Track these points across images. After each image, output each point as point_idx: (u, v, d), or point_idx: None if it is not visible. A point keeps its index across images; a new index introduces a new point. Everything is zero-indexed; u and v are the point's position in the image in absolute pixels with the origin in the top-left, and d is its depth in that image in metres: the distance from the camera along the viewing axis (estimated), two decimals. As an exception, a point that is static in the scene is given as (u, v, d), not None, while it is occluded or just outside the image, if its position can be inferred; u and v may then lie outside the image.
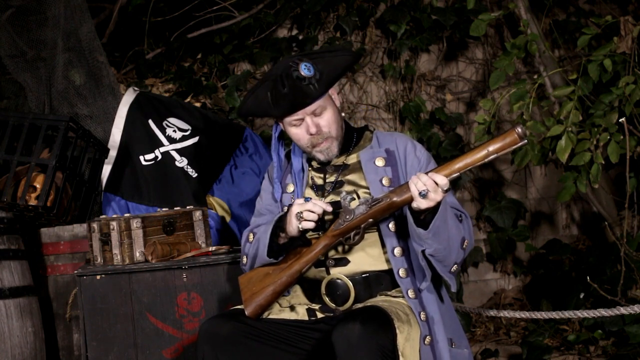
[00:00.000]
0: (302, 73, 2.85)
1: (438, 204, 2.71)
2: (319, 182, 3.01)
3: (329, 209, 2.83)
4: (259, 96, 2.93)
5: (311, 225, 2.83)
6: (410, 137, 3.08)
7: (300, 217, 2.82)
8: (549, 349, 4.61)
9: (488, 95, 5.51)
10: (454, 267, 2.84)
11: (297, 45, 5.37)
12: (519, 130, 2.64)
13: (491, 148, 2.67)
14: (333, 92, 2.99)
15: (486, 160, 2.68)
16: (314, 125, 2.91)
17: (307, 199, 2.83)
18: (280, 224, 2.90)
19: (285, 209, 2.98)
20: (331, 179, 3.00)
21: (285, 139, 3.07)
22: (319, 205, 2.82)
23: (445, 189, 2.69)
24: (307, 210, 2.81)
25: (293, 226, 2.85)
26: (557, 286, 5.08)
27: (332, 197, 2.97)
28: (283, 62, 2.91)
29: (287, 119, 2.93)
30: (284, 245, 2.92)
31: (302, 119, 2.91)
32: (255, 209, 3.16)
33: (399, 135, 3.07)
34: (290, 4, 5.37)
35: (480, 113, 5.10)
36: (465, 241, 2.84)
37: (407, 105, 5.32)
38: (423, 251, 2.78)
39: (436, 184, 2.68)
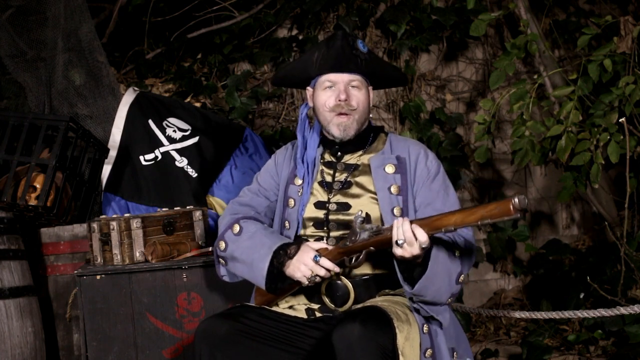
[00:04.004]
0: (357, 44, 2.95)
1: (427, 255, 2.70)
2: (328, 179, 3.01)
3: (337, 270, 2.85)
4: (305, 59, 3.02)
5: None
6: (424, 145, 3.07)
7: (312, 280, 2.84)
8: (549, 349, 4.61)
9: (488, 95, 5.51)
10: (450, 300, 2.82)
11: (297, 45, 5.37)
12: (515, 201, 2.49)
13: (485, 213, 2.54)
14: (371, 91, 3.03)
15: (479, 223, 2.55)
16: (345, 92, 2.94)
17: (316, 258, 2.83)
18: (276, 259, 2.88)
19: (285, 245, 2.93)
20: (340, 177, 3.00)
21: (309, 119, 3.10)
22: (327, 273, 2.85)
23: (424, 246, 2.65)
24: (318, 275, 2.84)
25: (297, 276, 2.85)
26: (557, 286, 5.08)
27: (338, 198, 2.97)
28: (338, 31, 3.02)
29: (323, 79, 2.96)
30: (280, 276, 2.91)
31: (337, 84, 2.95)
32: (252, 184, 3.16)
33: (412, 142, 3.06)
34: (290, 4, 5.37)
35: (480, 113, 5.10)
36: (462, 276, 2.81)
37: (407, 105, 5.32)
38: (411, 299, 2.80)
39: (416, 238, 2.65)
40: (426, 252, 2.70)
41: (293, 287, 2.93)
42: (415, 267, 2.73)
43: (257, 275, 2.90)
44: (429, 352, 2.77)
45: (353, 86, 2.96)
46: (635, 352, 4.41)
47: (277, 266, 2.87)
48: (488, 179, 5.57)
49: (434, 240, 2.70)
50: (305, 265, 2.83)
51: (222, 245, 3.01)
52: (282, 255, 2.88)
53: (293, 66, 3.10)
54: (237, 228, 2.99)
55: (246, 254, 2.93)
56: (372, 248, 2.79)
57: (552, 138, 4.37)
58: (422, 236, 2.64)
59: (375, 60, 3.04)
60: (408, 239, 2.65)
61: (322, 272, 2.83)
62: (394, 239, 2.67)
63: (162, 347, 3.51)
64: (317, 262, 2.82)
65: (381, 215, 2.92)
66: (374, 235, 2.77)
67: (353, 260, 2.83)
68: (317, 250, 2.85)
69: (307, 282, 2.85)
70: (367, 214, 2.91)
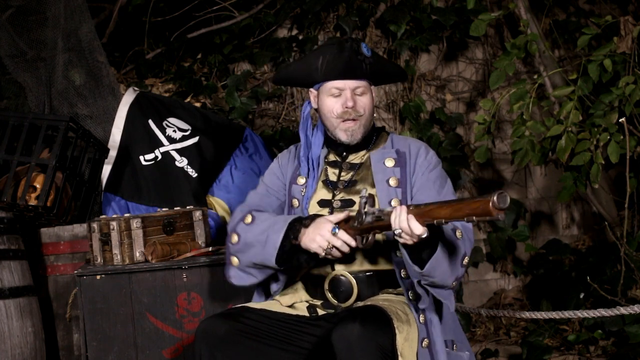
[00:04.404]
0: (362, 50, 2.96)
1: (435, 239, 2.68)
2: (333, 178, 3.02)
3: (353, 244, 2.82)
4: (308, 62, 3.01)
5: (338, 255, 2.84)
6: (424, 143, 3.09)
7: (328, 252, 2.82)
8: (549, 349, 4.61)
9: (488, 95, 5.51)
10: (454, 283, 2.81)
11: (297, 45, 5.37)
12: (495, 199, 2.40)
13: (470, 211, 2.49)
14: (374, 91, 3.05)
15: (466, 220, 2.50)
16: (352, 99, 2.96)
17: (334, 230, 2.81)
18: (292, 231, 2.87)
19: (300, 211, 2.93)
20: (346, 177, 3.01)
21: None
22: (347, 247, 2.82)
23: (422, 237, 2.63)
24: (336, 247, 2.81)
25: (313, 247, 2.83)
26: (557, 286, 5.08)
27: (342, 195, 2.99)
28: (342, 37, 2.98)
29: (329, 86, 2.97)
30: (292, 250, 2.89)
31: (343, 91, 2.96)
32: (258, 187, 3.14)
33: (413, 140, 3.09)
34: (290, 4, 5.37)
35: (480, 113, 5.10)
36: (466, 258, 2.81)
37: (407, 105, 5.32)
38: (419, 282, 2.78)
39: (411, 230, 2.62)
40: (434, 233, 2.68)
41: (310, 262, 2.90)
42: (424, 249, 2.71)
43: (269, 249, 2.87)
44: (425, 342, 2.77)
45: (359, 93, 2.98)
46: (635, 352, 4.41)
47: (292, 238, 2.85)
48: (488, 179, 5.57)
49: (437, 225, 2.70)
50: (321, 236, 2.81)
51: (235, 238, 2.96)
52: (298, 224, 2.87)
53: (295, 67, 3.10)
54: (249, 218, 2.97)
55: (260, 235, 2.90)
56: (377, 230, 2.79)
57: (552, 138, 4.37)
58: (418, 229, 2.61)
59: (378, 62, 3.04)
60: (405, 230, 2.64)
61: (339, 243, 2.80)
62: (393, 227, 2.66)
63: (162, 347, 3.51)
64: (334, 234, 2.80)
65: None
66: (376, 221, 2.78)
67: (363, 240, 2.83)
68: (335, 223, 2.83)
69: (323, 254, 2.83)
70: (370, 194, 2.90)
